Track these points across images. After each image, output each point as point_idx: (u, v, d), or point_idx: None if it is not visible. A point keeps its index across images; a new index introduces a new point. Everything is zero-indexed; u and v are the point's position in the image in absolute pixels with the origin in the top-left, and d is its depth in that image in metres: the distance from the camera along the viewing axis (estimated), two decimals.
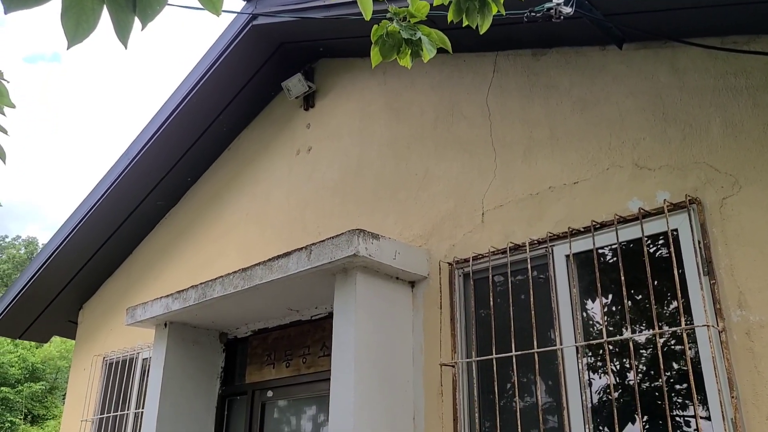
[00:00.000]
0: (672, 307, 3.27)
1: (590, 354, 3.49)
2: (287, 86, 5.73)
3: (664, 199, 3.34)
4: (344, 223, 4.87)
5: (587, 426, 3.31)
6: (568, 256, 3.64)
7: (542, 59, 4.21)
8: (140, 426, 5.37)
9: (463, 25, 2.41)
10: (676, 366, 3.20)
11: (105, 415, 6.56)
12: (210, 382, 5.46)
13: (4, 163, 2.25)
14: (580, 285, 3.61)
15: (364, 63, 5.36)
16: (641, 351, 3.35)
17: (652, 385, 3.26)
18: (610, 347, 3.39)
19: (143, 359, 6.34)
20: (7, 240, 37.44)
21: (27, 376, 25.10)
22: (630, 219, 3.44)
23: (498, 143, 4.24)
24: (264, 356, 5.31)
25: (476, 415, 3.75)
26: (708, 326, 3.01)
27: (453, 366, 3.89)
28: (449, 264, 4.15)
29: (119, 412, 6.42)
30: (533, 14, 3.32)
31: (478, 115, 4.43)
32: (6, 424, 23.70)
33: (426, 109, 4.80)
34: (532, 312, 3.61)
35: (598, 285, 3.44)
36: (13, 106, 2.17)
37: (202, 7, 1.59)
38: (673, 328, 3.17)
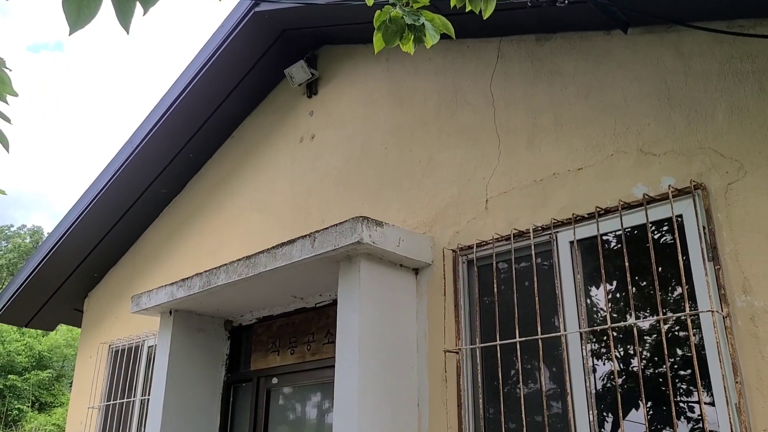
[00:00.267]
0: (676, 293, 3.26)
1: (594, 340, 3.49)
2: (290, 73, 5.71)
3: (669, 185, 3.33)
4: (348, 211, 4.87)
5: (591, 412, 3.32)
6: (572, 243, 3.63)
7: (546, 44, 4.18)
8: (146, 413, 5.41)
9: (467, 10, 2.39)
10: (680, 352, 3.20)
11: (111, 402, 6.61)
12: (215, 369, 5.49)
13: (8, 151, 2.25)
14: (584, 271, 3.60)
15: (367, 49, 5.33)
16: (645, 337, 3.35)
17: (656, 371, 3.26)
18: (614, 333, 3.39)
19: (149, 347, 6.37)
20: (12, 229, 37.62)
21: (34, 364, 25.32)
22: (635, 205, 3.42)
23: (502, 130, 4.23)
24: (269, 343, 5.33)
25: (480, 401, 3.76)
26: (712, 312, 3.00)
27: (457, 352, 3.90)
28: (453, 251, 4.15)
29: (125, 399, 6.47)
30: None
31: (481, 101, 4.41)
32: (14, 412, 23.94)
33: (429, 96, 4.77)
34: (536, 298, 3.60)
35: (603, 271, 3.43)
36: (15, 95, 2.17)
37: None
38: (678, 314, 3.16)
